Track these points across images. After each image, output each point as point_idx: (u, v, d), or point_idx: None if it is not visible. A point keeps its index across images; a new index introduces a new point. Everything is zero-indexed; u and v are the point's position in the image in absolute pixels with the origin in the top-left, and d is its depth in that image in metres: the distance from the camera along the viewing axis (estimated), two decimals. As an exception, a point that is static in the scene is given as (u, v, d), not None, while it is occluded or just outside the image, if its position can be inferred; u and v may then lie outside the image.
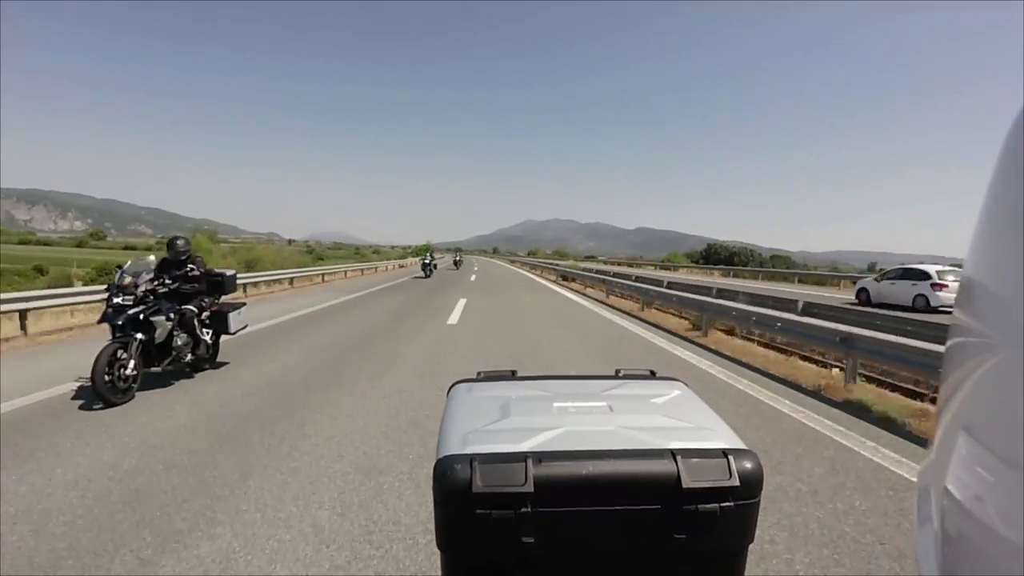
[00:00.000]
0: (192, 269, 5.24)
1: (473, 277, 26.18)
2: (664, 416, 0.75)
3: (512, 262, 59.80)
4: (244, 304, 6.12)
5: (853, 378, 5.60)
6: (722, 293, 11.96)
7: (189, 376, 5.36)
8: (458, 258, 40.34)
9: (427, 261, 25.02)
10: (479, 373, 0.92)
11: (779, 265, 42.04)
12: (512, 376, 0.90)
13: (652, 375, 0.93)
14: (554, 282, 24.04)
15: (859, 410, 4.72)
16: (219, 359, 5.89)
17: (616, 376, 0.92)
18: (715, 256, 47.83)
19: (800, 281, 27.93)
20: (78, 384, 4.97)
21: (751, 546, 0.68)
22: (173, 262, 5.28)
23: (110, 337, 4.52)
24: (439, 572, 0.67)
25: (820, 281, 27.43)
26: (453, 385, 0.87)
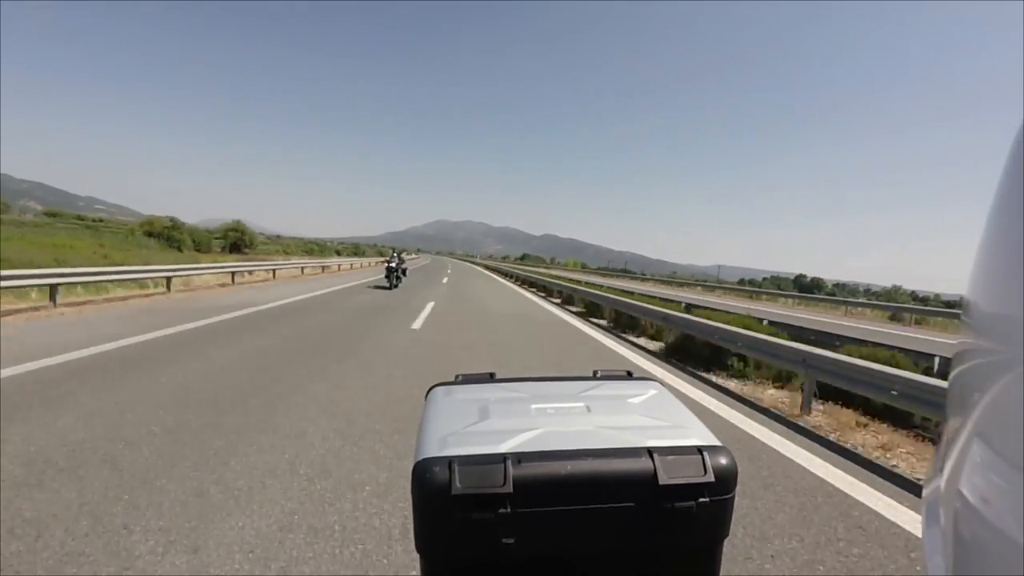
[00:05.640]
0: (402, 252, 23.25)
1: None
2: (641, 415, 0.77)
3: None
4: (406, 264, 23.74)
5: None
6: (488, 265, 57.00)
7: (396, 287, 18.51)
8: (393, 263, 19.29)
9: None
10: (457, 376, 0.94)
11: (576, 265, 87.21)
12: (490, 379, 0.93)
13: (629, 376, 0.97)
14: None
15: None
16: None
17: (593, 377, 0.95)
18: (528, 257, 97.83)
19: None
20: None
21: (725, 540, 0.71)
22: (396, 252, 20.88)
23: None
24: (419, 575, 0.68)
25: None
26: (431, 388, 0.89)
